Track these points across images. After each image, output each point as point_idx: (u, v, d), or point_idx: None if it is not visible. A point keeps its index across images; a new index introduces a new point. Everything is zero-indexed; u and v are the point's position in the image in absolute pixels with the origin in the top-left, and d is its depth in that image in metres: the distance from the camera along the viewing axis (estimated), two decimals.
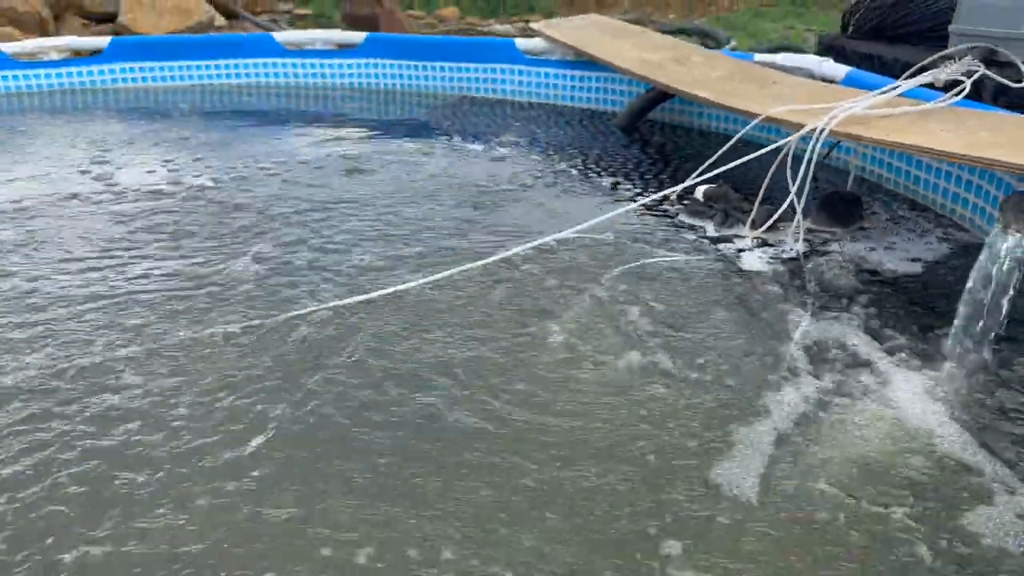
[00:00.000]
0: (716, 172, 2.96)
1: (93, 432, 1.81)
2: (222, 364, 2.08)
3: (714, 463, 1.72)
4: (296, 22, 13.63)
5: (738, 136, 3.17)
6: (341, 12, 10.41)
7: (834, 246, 2.86)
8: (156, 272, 2.61)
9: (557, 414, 1.89)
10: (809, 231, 2.93)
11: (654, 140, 4.23)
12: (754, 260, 2.76)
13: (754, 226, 2.94)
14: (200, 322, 2.29)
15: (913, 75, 3.13)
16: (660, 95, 4.23)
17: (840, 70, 3.77)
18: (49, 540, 1.50)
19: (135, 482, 1.66)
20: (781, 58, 4.07)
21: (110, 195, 3.34)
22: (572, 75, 4.88)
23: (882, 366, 2.10)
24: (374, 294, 2.43)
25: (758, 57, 4.18)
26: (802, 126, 2.93)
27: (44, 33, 9.10)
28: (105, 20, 9.77)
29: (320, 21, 15.71)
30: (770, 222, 2.90)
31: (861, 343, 2.21)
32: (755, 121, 3.15)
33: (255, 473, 1.68)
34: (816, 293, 2.50)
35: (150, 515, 1.57)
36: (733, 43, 9.94)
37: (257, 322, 2.29)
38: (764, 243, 2.88)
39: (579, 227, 2.79)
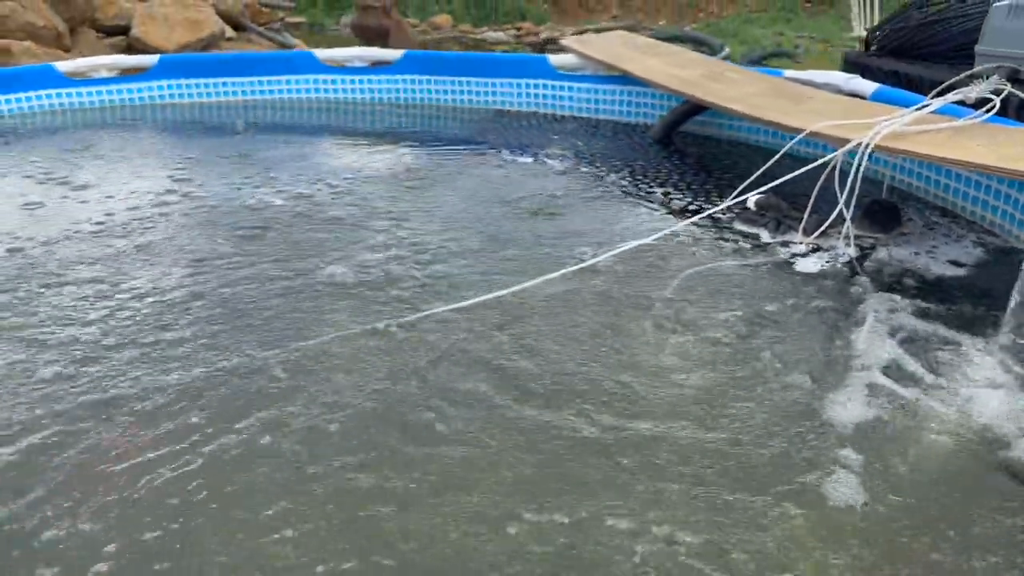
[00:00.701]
0: (771, 185, 3.25)
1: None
2: (370, 360, 2.33)
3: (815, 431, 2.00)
4: (292, 31, 13.82)
5: (784, 150, 3.46)
6: (350, 23, 10.62)
7: (881, 251, 3.15)
8: (278, 277, 2.86)
9: (663, 385, 2.16)
10: (855, 237, 3.23)
11: (690, 151, 4.52)
12: (810, 264, 3.04)
13: (806, 233, 3.23)
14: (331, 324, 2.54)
15: (942, 93, 3.44)
16: (693, 108, 4.52)
17: (868, 86, 4.08)
18: None
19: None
20: (809, 74, 4.38)
21: (200, 208, 3.57)
22: (604, 89, 5.16)
23: (947, 356, 2.39)
24: (500, 292, 2.69)
25: (788, 73, 4.49)
26: (846, 141, 3.23)
27: (61, 47, 9.26)
28: (118, 33, 9.94)
29: (314, 28, 15.92)
30: (821, 229, 3.19)
31: (922, 335, 2.49)
32: (800, 136, 3.44)
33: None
34: (872, 292, 2.79)
35: None
36: (727, 50, 10.28)
37: (387, 322, 2.54)
38: (816, 248, 3.17)
39: (657, 235, 3.08)
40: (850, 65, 4.74)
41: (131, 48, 9.85)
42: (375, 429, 2.04)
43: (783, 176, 3.17)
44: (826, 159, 3.22)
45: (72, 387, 2.20)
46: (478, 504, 1.78)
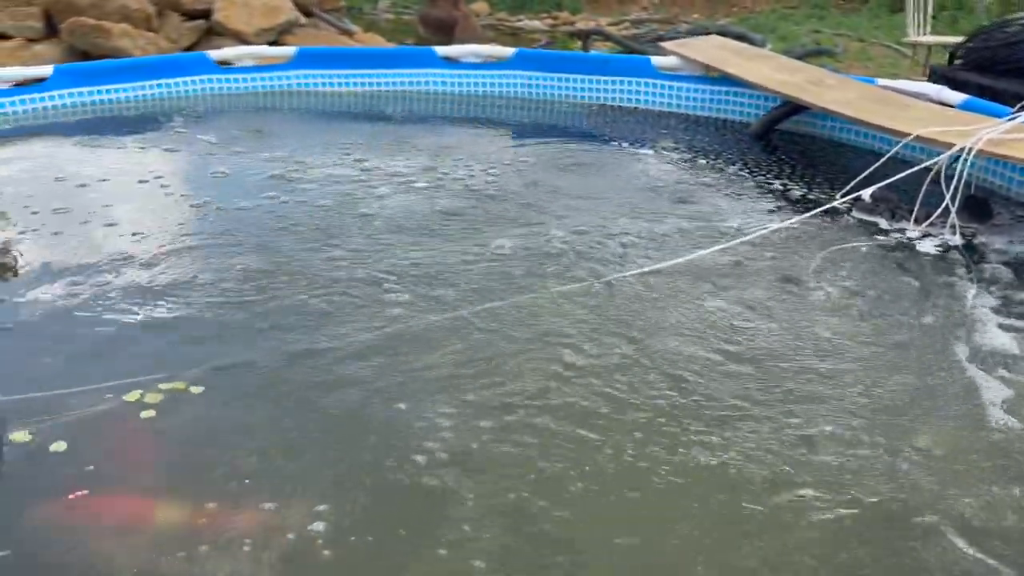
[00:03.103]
0: (887, 182, 3.88)
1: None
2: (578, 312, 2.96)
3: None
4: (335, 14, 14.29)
5: (893, 151, 4.09)
6: (419, 14, 11.15)
7: (981, 237, 3.78)
8: (483, 244, 3.48)
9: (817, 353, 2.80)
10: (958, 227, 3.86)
11: (790, 147, 5.12)
12: (927, 247, 3.67)
13: (917, 222, 3.86)
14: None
15: None
16: (793, 109, 5.12)
17: (955, 96, 4.68)
18: None
19: None
20: (900, 83, 4.99)
21: (386, 186, 4.19)
22: (702, 88, 5.75)
23: None
24: (664, 264, 3.31)
25: (880, 82, 5.09)
26: (950, 145, 3.85)
27: (149, 29, 9.78)
28: (199, 17, 10.44)
29: (352, 11, 16.36)
30: (931, 219, 3.82)
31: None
32: (906, 140, 4.07)
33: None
34: (984, 268, 3.42)
35: None
36: (768, 46, 10.84)
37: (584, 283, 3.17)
38: (927, 235, 3.79)
39: (793, 220, 3.71)
40: (938, 77, 5.35)
41: (211, 32, 10.37)
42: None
43: (880, 171, 3.84)
44: (935, 161, 3.84)
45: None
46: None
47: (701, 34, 9.88)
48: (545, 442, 2.29)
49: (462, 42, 8.82)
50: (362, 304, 3.01)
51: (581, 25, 15.21)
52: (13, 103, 5.21)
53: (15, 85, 5.25)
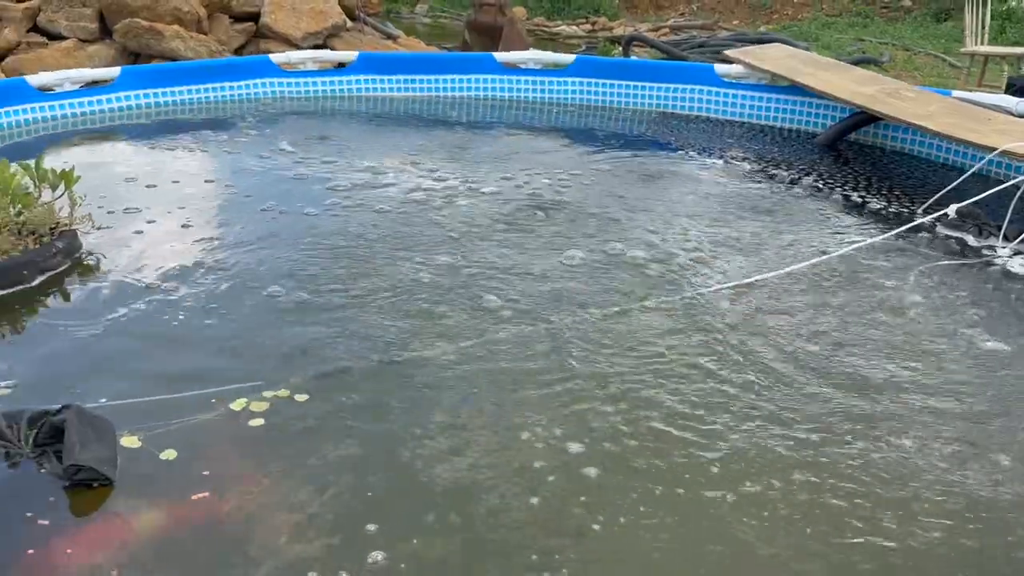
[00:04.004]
0: (975, 199, 3.80)
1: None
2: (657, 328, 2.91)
3: None
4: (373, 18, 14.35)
5: (979, 166, 4.01)
6: (466, 20, 11.15)
7: None
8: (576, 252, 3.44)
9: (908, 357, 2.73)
10: None
11: (861, 159, 5.04)
12: (1017, 265, 3.58)
13: (1007, 239, 3.77)
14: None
15: None
16: (865, 119, 5.04)
17: None
18: None
19: None
20: (977, 96, 4.89)
21: (455, 193, 4.16)
22: (766, 97, 5.68)
23: None
24: (761, 276, 3.25)
25: (956, 94, 5.00)
26: None
27: (200, 31, 9.86)
28: (248, 20, 10.52)
29: (390, 14, 16.39)
30: (1023, 236, 3.73)
31: None
32: (992, 154, 3.99)
33: None
34: None
35: None
36: (813, 54, 10.74)
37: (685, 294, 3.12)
38: (1017, 252, 3.70)
39: (882, 236, 3.63)
40: (1017, 90, 5.25)
41: (259, 34, 10.44)
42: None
43: (960, 185, 3.75)
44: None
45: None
46: None
47: (753, 42, 9.80)
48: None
49: (507, 48, 8.82)
50: (448, 313, 2.98)
51: (620, 31, 15.16)
52: (82, 104, 5.25)
53: (83, 86, 5.29)
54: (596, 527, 1.99)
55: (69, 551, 1.89)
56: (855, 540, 1.99)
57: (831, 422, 2.43)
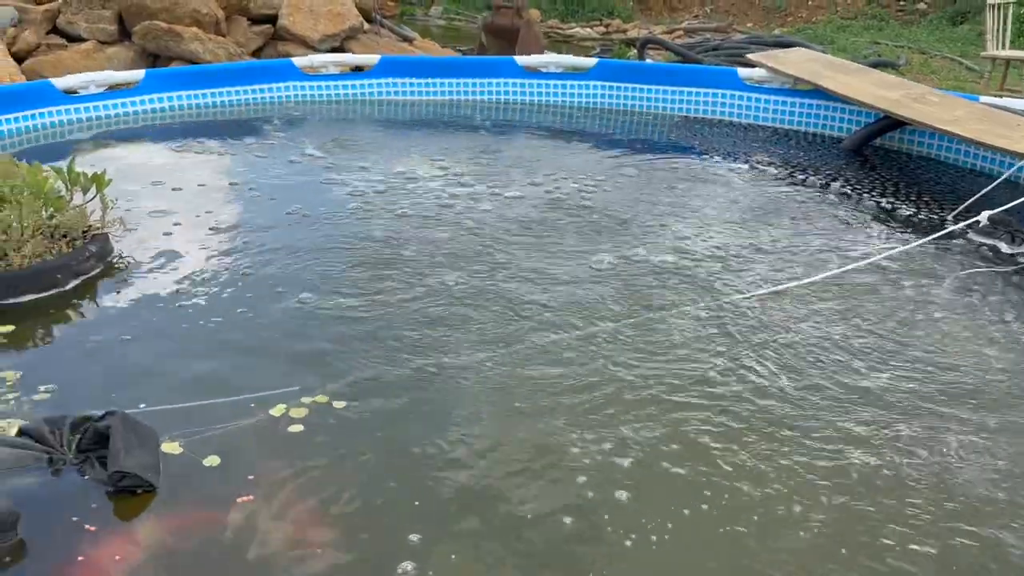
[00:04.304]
0: (1009, 206, 3.78)
1: None
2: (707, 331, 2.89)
3: None
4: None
5: (1010, 173, 3.98)
6: (482, 22, 11.15)
7: None
8: (603, 258, 3.43)
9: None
10: None
11: (887, 164, 5.01)
12: None
13: None
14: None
15: None
16: (891, 124, 5.01)
17: None
18: None
19: None
20: (1005, 101, 4.86)
21: (481, 197, 4.15)
22: (790, 101, 5.66)
23: None
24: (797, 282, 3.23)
25: (984, 99, 4.97)
26: None
27: (219, 32, 9.89)
28: (265, 22, 10.54)
29: (404, 17, 16.41)
30: None
31: None
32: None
33: None
34: None
35: None
36: (835, 58, 10.69)
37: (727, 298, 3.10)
38: None
39: (916, 243, 3.60)
40: None
41: (277, 36, 10.46)
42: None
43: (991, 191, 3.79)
44: None
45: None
46: None
47: (771, 45, 9.76)
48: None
49: (524, 50, 8.81)
50: (479, 319, 2.97)
51: (634, 33, 15.13)
52: (107, 107, 5.27)
53: (108, 89, 5.30)
54: (628, 542, 1.98)
55: (118, 557, 1.88)
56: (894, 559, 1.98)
57: (865, 433, 2.41)
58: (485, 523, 2.04)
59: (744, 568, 1.93)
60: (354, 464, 2.25)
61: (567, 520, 2.04)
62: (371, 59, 6.08)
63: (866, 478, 2.22)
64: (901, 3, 16.34)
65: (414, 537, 1.97)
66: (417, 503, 2.09)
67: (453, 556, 1.92)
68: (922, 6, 15.85)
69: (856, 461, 2.28)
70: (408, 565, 1.88)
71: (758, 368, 2.71)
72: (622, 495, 2.13)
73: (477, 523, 2.04)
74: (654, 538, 1.99)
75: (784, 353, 2.80)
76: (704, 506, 2.10)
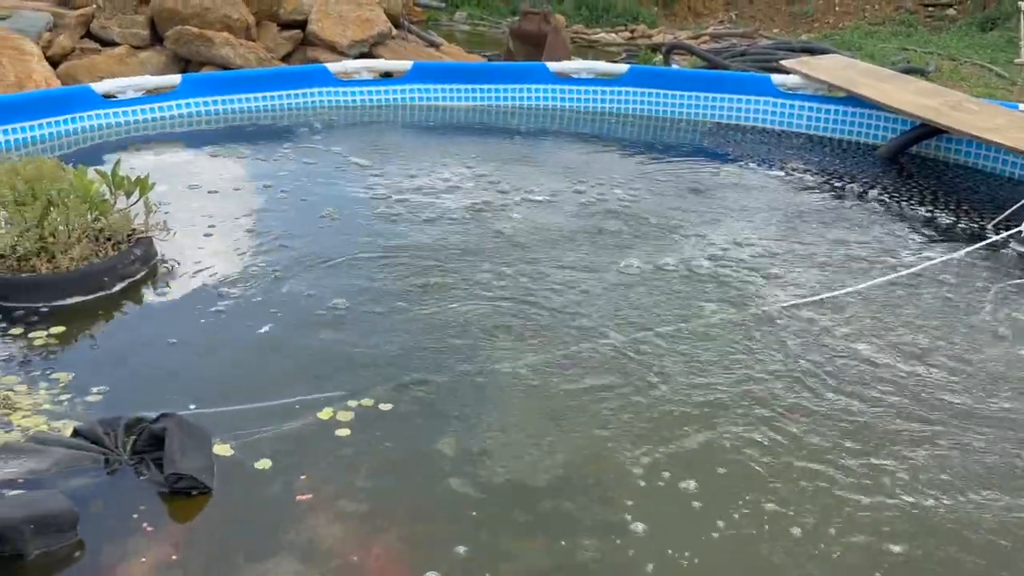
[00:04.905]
0: None
1: None
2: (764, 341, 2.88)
3: None
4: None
5: None
6: (510, 27, 11.18)
7: None
8: (635, 263, 3.42)
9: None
10: None
11: (925, 172, 4.96)
12: None
13: None
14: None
15: None
16: (928, 132, 4.97)
17: None
18: None
19: None
20: None
21: (515, 203, 4.16)
22: (824, 108, 5.63)
23: None
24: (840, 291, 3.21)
25: (1023, 107, 4.92)
26: None
27: (249, 37, 9.97)
28: (295, 27, 10.63)
29: (429, 22, 16.49)
30: None
31: None
32: None
33: None
34: None
35: None
36: (870, 65, 10.60)
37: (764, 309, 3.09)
38: None
39: (958, 253, 3.59)
40: None
41: (306, 42, 10.53)
42: None
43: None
44: None
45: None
46: None
47: (798, 51, 9.72)
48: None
49: (551, 56, 8.81)
50: (520, 325, 2.98)
51: (659, 38, 15.09)
52: (144, 111, 5.33)
53: (145, 94, 5.37)
54: (670, 550, 1.98)
55: (175, 557, 1.90)
56: None
57: (908, 444, 2.39)
58: (534, 525, 2.04)
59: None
60: (406, 468, 2.26)
61: (612, 521, 2.05)
62: (404, 65, 6.11)
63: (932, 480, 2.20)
64: (930, 9, 16.18)
65: (460, 549, 1.97)
66: (465, 501, 2.10)
67: (502, 566, 1.93)
68: (951, 12, 15.69)
69: (903, 476, 2.27)
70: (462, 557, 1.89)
71: (807, 381, 2.69)
72: (679, 502, 2.13)
73: (525, 525, 2.04)
74: (696, 547, 1.99)
75: (824, 366, 2.79)
76: (740, 516, 2.10)
